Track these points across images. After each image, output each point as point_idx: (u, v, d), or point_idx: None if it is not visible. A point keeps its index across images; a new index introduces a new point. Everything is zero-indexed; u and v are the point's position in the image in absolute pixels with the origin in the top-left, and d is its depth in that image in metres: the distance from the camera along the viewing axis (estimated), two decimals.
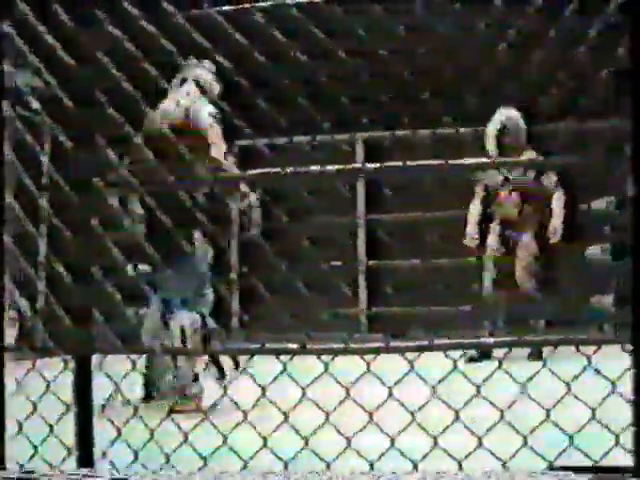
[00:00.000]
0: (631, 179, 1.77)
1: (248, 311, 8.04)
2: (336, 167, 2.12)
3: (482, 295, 6.50)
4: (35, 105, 4.27)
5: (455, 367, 1.93)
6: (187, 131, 3.77)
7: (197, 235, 4.06)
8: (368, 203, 8.93)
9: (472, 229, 6.52)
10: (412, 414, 1.88)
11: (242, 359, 3.16)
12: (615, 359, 1.93)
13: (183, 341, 4.00)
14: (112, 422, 2.10)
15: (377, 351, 2.01)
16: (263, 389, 2.00)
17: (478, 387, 1.86)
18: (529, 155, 6.29)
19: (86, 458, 2.13)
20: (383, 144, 8.56)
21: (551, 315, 6.36)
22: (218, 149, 3.96)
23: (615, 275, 7.59)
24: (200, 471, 1.95)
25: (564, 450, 1.84)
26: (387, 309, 8.56)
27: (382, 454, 1.88)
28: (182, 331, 4.03)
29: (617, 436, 1.80)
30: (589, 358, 1.90)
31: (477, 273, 7.35)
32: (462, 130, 5.79)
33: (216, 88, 4.20)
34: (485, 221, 6.58)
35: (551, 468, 1.82)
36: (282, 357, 2.05)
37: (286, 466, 1.91)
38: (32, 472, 2.02)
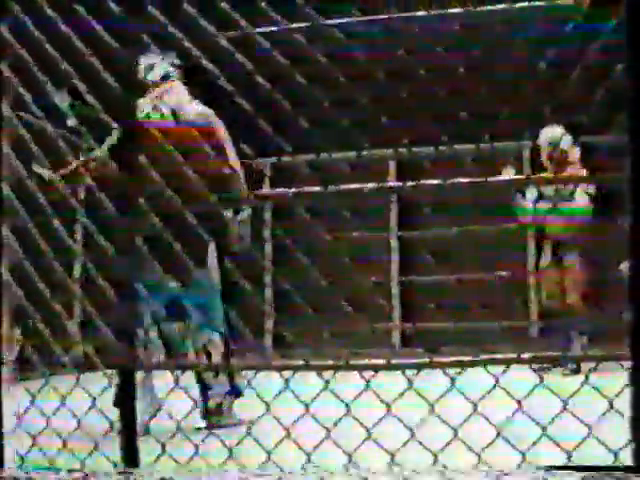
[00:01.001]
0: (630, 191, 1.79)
1: (284, 328, 8.06)
2: (390, 184, 2.15)
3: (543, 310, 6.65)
4: (71, 123, 4.33)
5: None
6: (183, 135, 3.65)
7: (210, 248, 3.94)
8: (401, 218, 8.95)
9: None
10: (455, 431, 1.89)
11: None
12: None
13: (208, 358, 3.96)
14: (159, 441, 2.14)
15: (419, 367, 2.03)
16: (307, 406, 2.03)
17: (519, 402, 1.88)
18: (577, 171, 6.33)
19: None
20: (417, 161, 8.58)
21: (597, 330, 6.33)
22: (231, 151, 3.88)
23: None
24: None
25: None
26: (422, 325, 8.54)
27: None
28: (207, 348, 3.99)
29: None
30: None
31: (516, 288, 7.35)
32: (499, 145, 5.82)
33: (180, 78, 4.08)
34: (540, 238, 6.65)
35: (553, 467, 1.83)
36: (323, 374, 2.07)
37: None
38: (30, 472, 2.07)
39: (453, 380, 1.94)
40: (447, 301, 7.40)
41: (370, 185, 2.26)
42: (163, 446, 2.17)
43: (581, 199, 6.36)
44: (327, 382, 2.03)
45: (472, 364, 1.95)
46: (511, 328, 7.70)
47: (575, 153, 6.36)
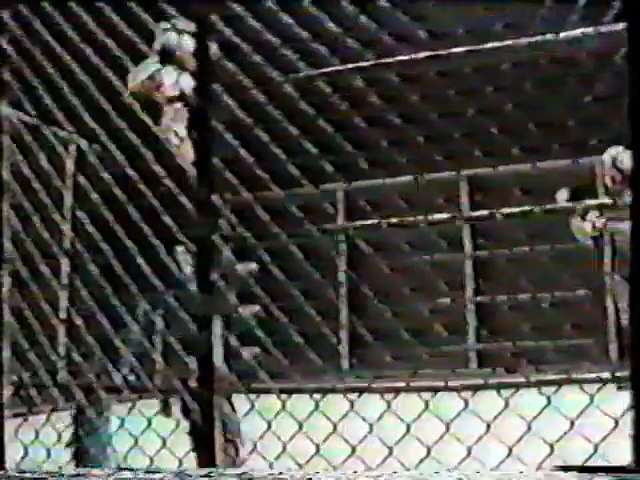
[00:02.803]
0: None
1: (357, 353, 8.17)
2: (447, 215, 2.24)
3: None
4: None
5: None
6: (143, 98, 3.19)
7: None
8: (475, 238, 8.98)
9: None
10: (510, 449, 1.97)
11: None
12: None
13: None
14: None
15: (478, 388, 2.11)
16: (371, 426, 2.13)
17: (572, 422, 1.93)
18: None
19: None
20: (488, 181, 8.60)
21: None
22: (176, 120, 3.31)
23: None
24: None
25: None
26: (498, 344, 8.51)
27: None
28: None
29: None
30: None
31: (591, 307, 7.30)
32: (565, 164, 5.83)
33: (187, 48, 3.42)
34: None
35: (555, 468, 1.86)
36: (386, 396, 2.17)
37: None
38: (30, 472, 2.21)
39: (549, 399, 2.00)
40: (524, 320, 7.39)
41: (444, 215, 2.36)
42: None
43: None
44: (389, 403, 2.12)
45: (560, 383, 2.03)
46: (591, 347, 7.62)
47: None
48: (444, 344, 6.24)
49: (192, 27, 3.25)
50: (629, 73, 1.93)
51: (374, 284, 3.33)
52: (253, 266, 7.03)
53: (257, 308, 5.16)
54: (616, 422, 1.98)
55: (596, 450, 1.97)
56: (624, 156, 6.41)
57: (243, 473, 2.05)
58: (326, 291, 8.39)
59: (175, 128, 3.25)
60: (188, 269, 3.17)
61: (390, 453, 2.07)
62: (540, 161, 3.94)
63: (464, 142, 3.05)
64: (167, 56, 3.46)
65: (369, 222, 2.43)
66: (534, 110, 4.11)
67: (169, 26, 3.43)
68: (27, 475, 2.24)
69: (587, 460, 1.96)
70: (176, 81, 3.37)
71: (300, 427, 2.24)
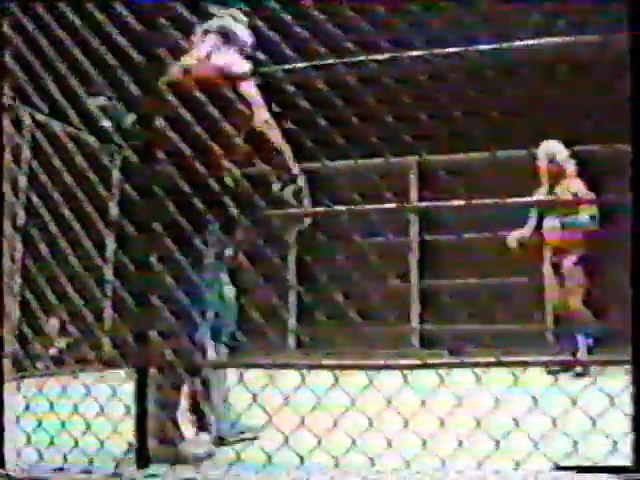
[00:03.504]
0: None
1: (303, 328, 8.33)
2: (395, 205, 2.39)
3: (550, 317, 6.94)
4: (106, 124, 4.39)
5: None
6: (209, 83, 3.07)
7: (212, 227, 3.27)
8: (422, 222, 9.21)
9: (516, 234, 6.84)
10: (478, 422, 2.15)
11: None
12: None
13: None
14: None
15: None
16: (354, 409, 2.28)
17: (535, 398, 2.14)
18: (576, 185, 6.72)
19: (142, 456, 2.44)
20: (437, 168, 8.82)
21: (602, 335, 6.63)
22: (262, 111, 3.16)
23: None
24: None
25: None
26: (440, 327, 8.77)
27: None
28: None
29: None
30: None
31: (531, 292, 7.60)
32: (514, 154, 6.06)
33: (245, 38, 3.48)
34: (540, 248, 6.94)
35: (556, 468, 2.04)
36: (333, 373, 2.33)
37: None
38: (31, 472, 2.31)
39: (477, 378, 2.18)
40: (467, 304, 7.65)
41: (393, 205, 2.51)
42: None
43: (584, 214, 6.70)
44: (336, 379, 2.28)
45: (496, 365, 2.21)
46: (529, 332, 7.94)
47: (571, 167, 6.75)
48: (391, 325, 6.45)
49: (244, 18, 3.41)
50: (630, 74, 2.04)
51: (325, 266, 3.47)
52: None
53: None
54: (535, 400, 2.17)
55: (517, 424, 2.17)
56: (558, 149, 6.75)
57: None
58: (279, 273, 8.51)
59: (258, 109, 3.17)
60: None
61: (335, 425, 2.25)
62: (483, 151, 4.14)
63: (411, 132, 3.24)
64: (224, 39, 3.42)
65: (321, 209, 2.57)
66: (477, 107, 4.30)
67: (228, 12, 3.47)
68: (23, 474, 2.34)
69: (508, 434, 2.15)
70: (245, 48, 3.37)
71: (254, 399, 2.38)
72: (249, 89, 3.14)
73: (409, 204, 8.80)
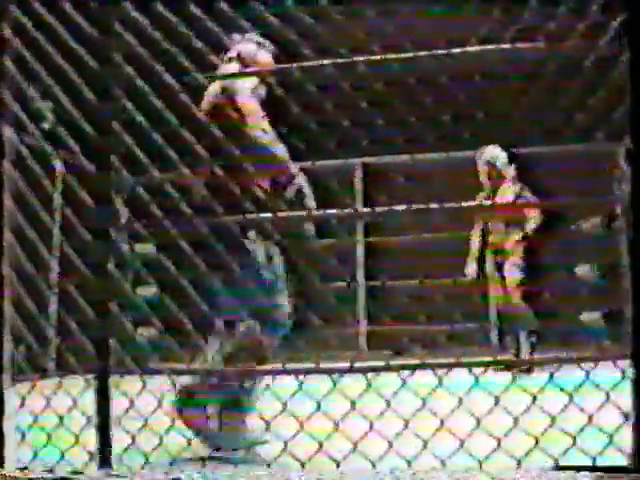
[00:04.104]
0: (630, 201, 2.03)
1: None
2: (336, 211, 2.41)
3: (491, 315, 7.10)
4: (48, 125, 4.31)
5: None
6: (227, 108, 3.36)
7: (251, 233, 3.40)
8: (367, 223, 9.27)
9: (471, 265, 7.06)
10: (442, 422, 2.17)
11: None
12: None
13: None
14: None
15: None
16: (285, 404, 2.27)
17: (497, 397, 2.18)
18: (516, 188, 6.97)
19: (105, 462, 2.41)
20: (383, 170, 8.90)
21: (544, 332, 6.81)
22: (255, 123, 3.33)
23: (604, 292, 7.92)
24: None
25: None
26: (387, 328, 8.84)
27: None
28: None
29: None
30: (587, 372, 2.23)
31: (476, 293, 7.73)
32: (459, 155, 6.16)
33: (263, 59, 3.64)
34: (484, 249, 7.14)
35: (556, 468, 2.08)
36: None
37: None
38: (31, 472, 2.29)
39: (441, 379, 2.21)
40: (412, 305, 7.72)
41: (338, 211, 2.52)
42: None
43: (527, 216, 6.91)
44: (300, 384, 2.28)
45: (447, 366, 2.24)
46: (472, 331, 8.06)
47: (511, 170, 7.01)
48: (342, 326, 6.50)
49: (267, 42, 3.59)
50: (630, 76, 2.08)
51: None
52: (151, 248, 7.03)
53: (154, 289, 5.21)
54: (496, 399, 2.21)
55: (478, 424, 2.20)
56: (498, 154, 6.98)
57: None
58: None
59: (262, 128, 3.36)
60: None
61: (301, 427, 2.25)
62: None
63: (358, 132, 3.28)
64: (244, 65, 3.56)
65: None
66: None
67: (248, 36, 3.59)
68: (23, 474, 2.29)
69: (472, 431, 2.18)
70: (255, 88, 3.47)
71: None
72: (249, 103, 3.34)
73: (355, 206, 8.88)
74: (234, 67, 3.52)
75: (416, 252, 7.82)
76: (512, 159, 7.13)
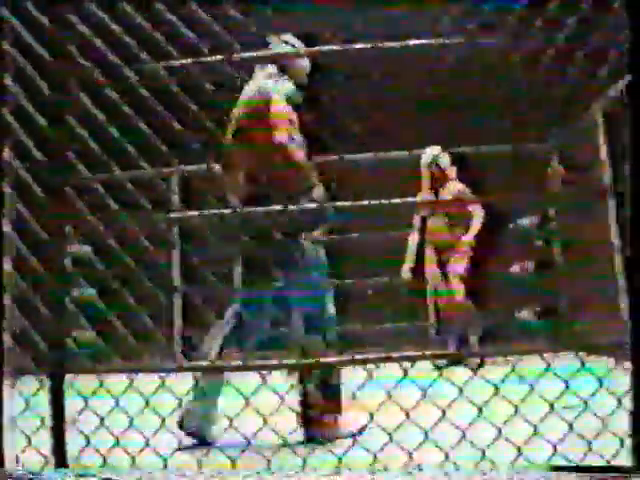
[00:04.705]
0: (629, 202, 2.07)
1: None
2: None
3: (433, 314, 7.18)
4: None
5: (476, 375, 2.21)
6: (265, 114, 3.39)
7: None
8: None
9: (407, 266, 7.15)
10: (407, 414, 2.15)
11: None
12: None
13: None
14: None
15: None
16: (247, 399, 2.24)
17: (461, 389, 2.19)
18: (455, 185, 7.12)
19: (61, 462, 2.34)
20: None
21: (486, 329, 6.98)
22: (279, 129, 3.36)
23: (537, 290, 8.13)
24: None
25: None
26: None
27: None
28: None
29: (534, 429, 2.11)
30: (549, 365, 2.28)
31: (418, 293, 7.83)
32: (399, 155, 6.23)
33: (299, 64, 3.68)
34: (423, 248, 7.24)
35: (556, 468, 2.10)
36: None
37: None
38: (31, 472, 2.21)
39: (405, 378, 2.20)
40: (355, 303, 7.75)
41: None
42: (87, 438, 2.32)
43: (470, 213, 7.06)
44: (265, 378, 2.24)
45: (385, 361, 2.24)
46: (412, 330, 8.15)
47: (453, 171, 7.19)
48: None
49: (301, 44, 3.69)
50: (630, 77, 2.10)
51: (210, 267, 3.42)
52: (87, 248, 6.93)
53: (92, 290, 5.11)
54: (424, 393, 2.23)
55: (408, 416, 2.23)
56: (440, 154, 7.12)
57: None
58: (163, 276, 8.33)
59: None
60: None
61: (231, 423, 2.23)
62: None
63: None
64: (281, 69, 3.62)
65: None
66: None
67: (286, 40, 3.67)
68: (23, 474, 2.21)
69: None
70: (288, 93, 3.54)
71: (147, 403, 2.39)
72: (280, 110, 3.40)
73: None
74: (271, 70, 3.59)
75: (356, 251, 7.84)
76: (456, 158, 7.29)
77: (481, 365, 6.49)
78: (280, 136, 3.32)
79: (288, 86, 3.54)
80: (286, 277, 3.39)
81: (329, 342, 3.42)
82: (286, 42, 3.68)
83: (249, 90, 3.52)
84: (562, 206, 7.95)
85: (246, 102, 3.48)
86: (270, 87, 3.44)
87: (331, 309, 3.53)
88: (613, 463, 2.13)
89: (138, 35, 2.44)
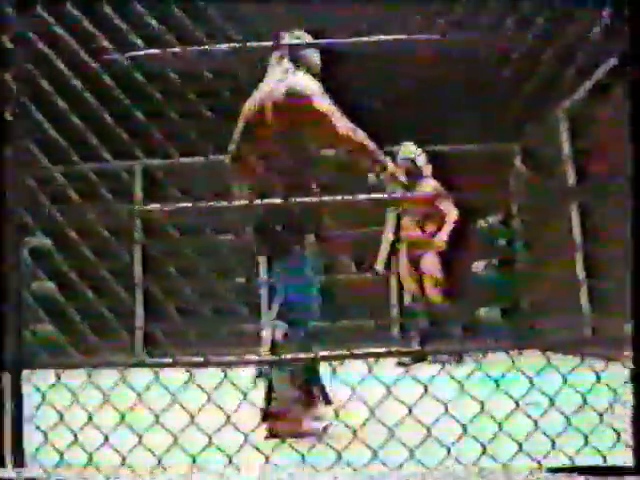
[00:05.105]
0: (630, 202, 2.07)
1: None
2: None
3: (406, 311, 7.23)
4: None
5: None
6: (290, 109, 3.44)
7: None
8: None
9: (381, 262, 7.19)
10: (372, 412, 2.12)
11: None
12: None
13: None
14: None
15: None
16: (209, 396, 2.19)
17: (426, 387, 2.17)
18: (431, 184, 7.16)
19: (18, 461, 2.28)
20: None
21: (458, 325, 7.06)
22: (341, 121, 3.46)
23: (501, 289, 8.19)
24: None
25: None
26: None
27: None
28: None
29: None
30: (514, 362, 2.29)
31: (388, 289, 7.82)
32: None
33: (313, 59, 3.74)
34: (397, 245, 7.28)
35: (554, 469, 2.10)
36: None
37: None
38: (30, 472, 2.18)
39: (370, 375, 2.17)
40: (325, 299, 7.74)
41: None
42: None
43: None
44: (225, 374, 2.21)
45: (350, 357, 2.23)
46: (375, 327, 8.16)
47: (427, 167, 7.23)
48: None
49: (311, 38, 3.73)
50: (630, 78, 2.09)
51: (174, 263, 3.37)
52: (47, 241, 6.83)
53: (50, 284, 5.04)
54: (388, 390, 2.22)
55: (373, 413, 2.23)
56: (415, 151, 7.14)
57: None
58: (126, 269, 8.24)
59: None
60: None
61: (192, 420, 2.23)
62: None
63: None
64: (297, 64, 3.67)
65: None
66: None
67: (299, 35, 3.72)
68: (23, 474, 2.17)
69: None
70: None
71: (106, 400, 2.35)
72: (322, 104, 3.44)
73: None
74: (287, 65, 3.64)
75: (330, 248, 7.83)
76: (430, 155, 7.35)
77: (460, 360, 6.65)
78: (345, 127, 3.44)
79: (314, 82, 3.58)
80: (283, 265, 3.48)
81: (311, 334, 3.43)
82: (298, 37, 3.72)
83: (273, 88, 3.53)
84: (525, 204, 8.02)
85: (280, 103, 3.47)
86: (302, 87, 3.48)
87: (316, 305, 3.54)
88: (577, 463, 2.13)
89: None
